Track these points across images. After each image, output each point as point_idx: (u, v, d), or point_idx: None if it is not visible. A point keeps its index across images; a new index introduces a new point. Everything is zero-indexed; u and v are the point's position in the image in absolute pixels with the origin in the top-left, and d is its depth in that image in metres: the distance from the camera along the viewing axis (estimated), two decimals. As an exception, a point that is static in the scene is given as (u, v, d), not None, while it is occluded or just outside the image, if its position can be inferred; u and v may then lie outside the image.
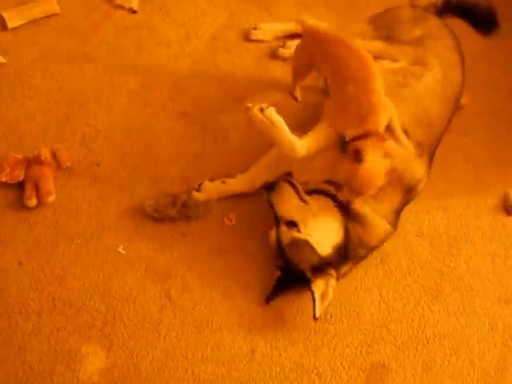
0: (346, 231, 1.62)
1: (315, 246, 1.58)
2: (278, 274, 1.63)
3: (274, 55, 2.11)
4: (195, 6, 2.19)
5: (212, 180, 1.82)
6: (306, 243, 1.57)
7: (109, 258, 1.68)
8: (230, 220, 1.79)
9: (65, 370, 1.52)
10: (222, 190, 1.81)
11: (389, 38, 1.91)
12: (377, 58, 1.80)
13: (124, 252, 1.71)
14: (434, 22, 1.96)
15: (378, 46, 1.90)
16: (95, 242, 1.70)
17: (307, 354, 1.58)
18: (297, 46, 1.82)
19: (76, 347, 1.55)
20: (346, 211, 1.62)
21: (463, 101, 2.03)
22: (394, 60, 1.87)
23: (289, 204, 1.61)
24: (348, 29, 1.95)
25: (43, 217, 1.72)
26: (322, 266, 1.57)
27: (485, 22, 2.17)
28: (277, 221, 1.60)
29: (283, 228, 1.60)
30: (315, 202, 1.63)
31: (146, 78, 2.01)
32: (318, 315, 1.53)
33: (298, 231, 1.59)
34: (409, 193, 1.70)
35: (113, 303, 1.61)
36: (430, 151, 1.75)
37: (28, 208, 1.72)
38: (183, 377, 1.52)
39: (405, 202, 1.71)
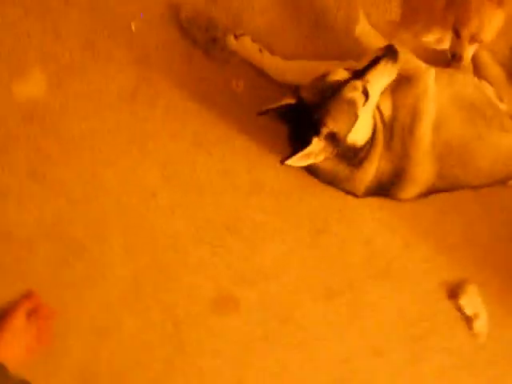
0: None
1: (359, 126, 1.40)
2: (288, 100, 1.41)
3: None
4: None
5: (253, 41, 1.64)
6: (355, 114, 1.38)
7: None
8: (238, 86, 1.65)
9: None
10: (253, 56, 1.66)
11: (510, 75, 1.69)
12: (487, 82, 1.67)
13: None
14: None
15: (496, 72, 1.71)
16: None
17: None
18: None
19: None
20: None
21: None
22: (499, 98, 1.67)
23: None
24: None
25: None
26: (336, 141, 1.38)
27: None
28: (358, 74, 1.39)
29: (356, 82, 1.37)
30: None
31: None
32: (287, 163, 1.35)
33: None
34: None
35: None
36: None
37: None
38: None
39: None
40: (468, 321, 1.87)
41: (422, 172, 1.55)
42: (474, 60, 1.70)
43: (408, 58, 1.51)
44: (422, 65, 1.54)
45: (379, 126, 1.48)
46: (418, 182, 1.57)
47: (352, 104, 1.35)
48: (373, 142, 1.48)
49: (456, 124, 1.55)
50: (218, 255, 1.66)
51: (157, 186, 1.62)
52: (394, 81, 1.46)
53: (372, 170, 1.51)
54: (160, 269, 1.63)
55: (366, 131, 1.44)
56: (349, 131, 1.38)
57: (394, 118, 1.50)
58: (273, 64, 1.67)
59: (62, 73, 1.58)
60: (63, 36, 1.58)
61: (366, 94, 1.36)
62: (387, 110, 1.50)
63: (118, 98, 1.61)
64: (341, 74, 1.37)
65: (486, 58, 1.71)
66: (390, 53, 1.37)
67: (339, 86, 1.35)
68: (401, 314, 1.82)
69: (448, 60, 1.52)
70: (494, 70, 1.71)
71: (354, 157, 1.45)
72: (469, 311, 1.87)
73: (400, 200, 1.64)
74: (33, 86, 1.58)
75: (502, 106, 1.64)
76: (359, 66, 1.39)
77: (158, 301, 1.64)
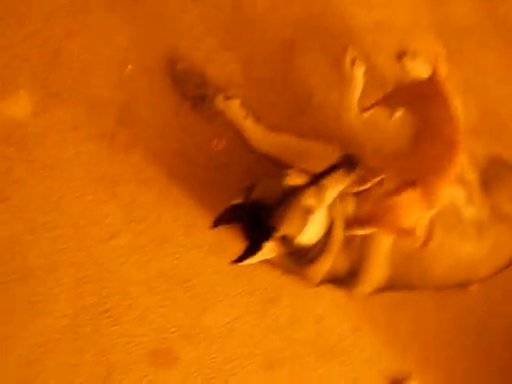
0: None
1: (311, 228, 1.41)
2: (236, 201, 1.42)
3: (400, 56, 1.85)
4: None
5: (241, 104, 1.71)
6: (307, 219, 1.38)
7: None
8: (218, 145, 1.68)
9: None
10: (237, 120, 1.73)
11: (484, 183, 1.74)
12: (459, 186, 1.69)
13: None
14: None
15: (470, 177, 1.76)
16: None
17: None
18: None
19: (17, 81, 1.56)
20: None
21: (473, 287, 1.85)
22: (468, 203, 1.70)
23: None
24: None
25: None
26: (287, 242, 1.38)
27: None
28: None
29: (312, 189, 1.37)
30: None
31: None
32: (241, 262, 1.35)
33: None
34: None
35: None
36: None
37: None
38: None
39: None
40: (405, 416, 1.85)
41: (377, 275, 1.57)
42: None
43: None
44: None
45: (338, 223, 1.47)
46: (372, 283, 1.59)
47: (307, 211, 1.37)
48: (329, 238, 1.47)
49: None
50: (165, 307, 1.67)
51: (118, 228, 1.65)
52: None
53: (327, 263, 1.51)
54: (104, 311, 1.65)
55: (318, 231, 1.45)
56: (299, 234, 1.38)
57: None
58: (254, 131, 1.74)
59: (50, 100, 1.63)
60: (59, 64, 1.63)
61: (320, 199, 1.36)
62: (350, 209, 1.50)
63: (98, 135, 1.67)
64: (297, 179, 1.39)
65: (463, 162, 1.74)
66: (347, 163, 1.37)
67: (295, 192, 1.34)
68: (338, 397, 1.79)
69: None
70: (468, 174, 1.75)
71: (305, 254, 1.45)
72: (409, 407, 1.86)
73: (352, 296, 1.65)
74: (18, 107, 1.62)
75: (468, 213, 1.65)
76: (318, 167, 1.39)
77: (95, 342, 1.64)
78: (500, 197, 1.73)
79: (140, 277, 1.67)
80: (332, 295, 1.79)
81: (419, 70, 1.84)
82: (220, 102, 1.72)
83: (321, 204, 1.38)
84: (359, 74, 1.64)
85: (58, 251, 1.62)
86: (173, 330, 1.68)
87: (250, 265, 1.65)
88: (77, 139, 1.65)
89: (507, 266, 1.76)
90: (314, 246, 1.45)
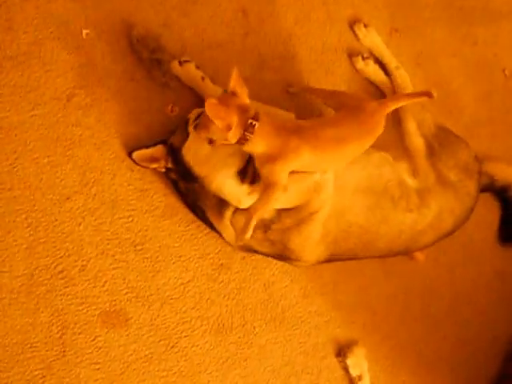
0: None
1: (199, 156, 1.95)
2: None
3: (350, 54, 2.36)
4: None
5: (197, 67, 2.13)
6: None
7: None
8: (173, 111, 2.05)
9: None
10: (194, 82, 2.14)
11: (431, 151, 2.20)
12: (406, 156, 2.18)
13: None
14: (471, 187, 2.25)
15: (418, 144, 2.22)
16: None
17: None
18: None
19: None
20: None
21: (419, 255, 2.29)
22: (413, 173, 2.16)
23: None
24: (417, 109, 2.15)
25: None
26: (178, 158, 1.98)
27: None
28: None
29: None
30: None
31: None
32: (134, 156, 2.02)
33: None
34: None
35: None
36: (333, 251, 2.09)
37: None
38: None
39: None
40: (351, 382, 2.35)
41: (309, 256, 2.08)
42: (401, 129, 2.17)
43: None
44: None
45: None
46: (307, 261, 2.10)
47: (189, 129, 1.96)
48: None
49: (359, 212, 2.06)
50: (118, 269, 2.07)
51: (73, 190, 2.04)
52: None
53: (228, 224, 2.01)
54: (58, 272, 2.02)
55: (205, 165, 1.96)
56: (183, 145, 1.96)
57: (272, 221, 1.98)
58: (213, 92, 2.11)
59: (5, 63, 2.00)
60: (14, 28, 2.03)
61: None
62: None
63: (53, 97, 2.04)
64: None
65: (412, 128, 2.22)
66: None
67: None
68: (286, 362, 2.29)
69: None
70: (417, 141, 2.22)
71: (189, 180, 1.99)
72: (354, 372, 2.34)
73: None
74: (-28, 69, 1.94)
75: (412, 182, 2.09)
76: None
77: (49, 303, 2.01)
78: (445, 165, 2.19)
79: (94, 239, 2.05)
80: (282, 262, 2.21)
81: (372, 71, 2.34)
82: (176, 66, 2.11)
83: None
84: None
85: (13, 212, 1.99)
86: (125, 291, 2.08)
87: (203, 229, 2.08)
88: (32, 102, 2.01)
89: (450, 233, 2.23)
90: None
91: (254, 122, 1.73)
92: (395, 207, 2.09)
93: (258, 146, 1.76)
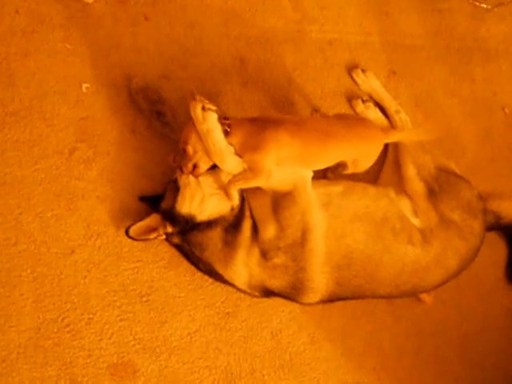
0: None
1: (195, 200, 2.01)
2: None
3: (350, 98, 2.43)
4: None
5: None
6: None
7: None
8: (175, 161, 2.10)
9: None
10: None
11: (432, 193, 2.25)
12: (406, 196, 2.26)
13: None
14: (476, 226, 2.29)
15: (418, 188, 2.28)
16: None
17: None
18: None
19: None
20: None
21: (426, 298, 2.31)
22: (415, 212, 2.22)
23: None
24: (417, 152, 2.21)
25: None
26: (174, 217, 2.01)
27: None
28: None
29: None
30: None
31: None
32: (131, 232, 1.99)
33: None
34: None
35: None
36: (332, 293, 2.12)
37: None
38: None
39: None
40: (363, 428, 2.30)
41: (319, 281, 2.10)
42: (400, 172, 2.23)
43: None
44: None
45: (246, 233, 2.05)
46: (317, 290, 2.12)
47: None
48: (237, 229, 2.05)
49: (359, 238, 2.12)
50: (125, 321, 2.10)
51: (77, 243, 2.08)
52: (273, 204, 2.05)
53: (240, 262, 2.05)
54: (65, 325, 2.05)
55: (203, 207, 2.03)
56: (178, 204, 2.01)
57: (279, 237, 2.04)
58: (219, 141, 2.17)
59: (8, 119, 2.07)
60: (16, 84, 2.10)
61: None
62: (269, 232, 2.04)
63: (56, 152, 2.11)
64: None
65: (411, 173, 2.28)
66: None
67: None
68: (297, 410, 2.25)
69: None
70: (417, 185, 2.27)
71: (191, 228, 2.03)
72: (365, 418, 2.30)
73: (303, 304, 2.17)
74: (-25, 126, 2.01)
75: (415, 221, 2.14)
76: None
77: (57, 356, 2.04)
78: (447, 206, 2.24)
79: (100, 291, 2.09)
80: (288, 308, 2.26)
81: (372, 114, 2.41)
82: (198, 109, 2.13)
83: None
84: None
85: (19, 267, 2.03)
86: (133, 343, 2.11)
87: (208, 278, 2.12)
88: (35, 157, 2.08)
89: (457, 273, 2.26)
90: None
91: (226, 116, 1.94)
92: (396, 238, 2.14)
93: (237, 134, 1.89)
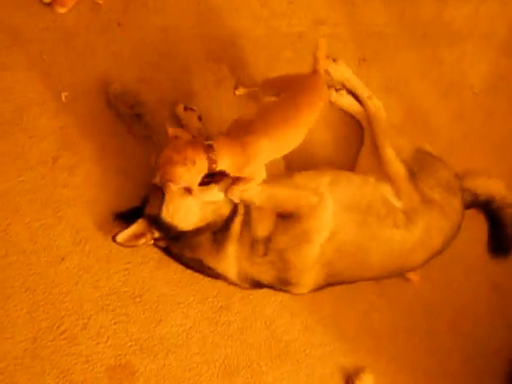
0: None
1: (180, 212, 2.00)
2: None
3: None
4: None
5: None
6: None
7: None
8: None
9: None
10: (192, 129, 2.21)
11: (412, 174, 2.27)
12: (386, 180, 2.25)
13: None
14: (456, 203, 2.33)
15: (399, 170, 2.30)
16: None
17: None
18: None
19: None
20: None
21: (413, 276, 2.33)
22: (397, 195, 2.24)
23: None
24: (394, 135, 2.23)
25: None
26: (160, 224, 2.00)
27: (503, 244, 2.56)
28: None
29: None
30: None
31: None
32: (118, 240, 1.98)
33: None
34: None
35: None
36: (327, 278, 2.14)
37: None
38: None
39: None
40: (363, 408, 2.31)
41: (309, 277, 2.13)
42: (379, 156, 2.25)
43: (296, 195, 2.08)
44: (314, 199, 2.08)
45: (236, 228, 2.04)
46: (306, 284, 2.15)
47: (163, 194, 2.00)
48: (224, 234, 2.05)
49: (349, 230, 2.14)
50: (120, 323, 2.10)
51: (67, 249, 2.09)
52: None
53: (231, 255, 2.06)
54: (60, 333, 2.05)
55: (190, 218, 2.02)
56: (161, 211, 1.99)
57: (271, 240, 2.05)
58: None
59: None
60: None
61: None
62: (262, 232, 2.04)
63: (39, 162, 2.11)
64: None
65: (390, 155, 2.29)
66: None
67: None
68: (296, 397, 2.28)
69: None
70: (397, 167, 2.29)
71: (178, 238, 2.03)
72: (364, 400, 2.32)
73: (292, 295, 2.21)
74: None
75: (397, 203, 2.16)
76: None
77: (55, 364, 2.04)
78: (427, 185, 2.26)
79: (92, 296, 2.09)
80: (279, 298, 2.27)
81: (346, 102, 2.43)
82: (180, 110, 2.20)
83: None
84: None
85: (10, 278, 2.03)
86: (129, 344, 2.11)
87: (198, 275, 2.11)
88: (19, 168, 2.08)
89: (441, 251, 2.29)
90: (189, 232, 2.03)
91: (209, 142, 1.84)
92: (381, 224, 2.16)
93: (225, 160, 1.85)
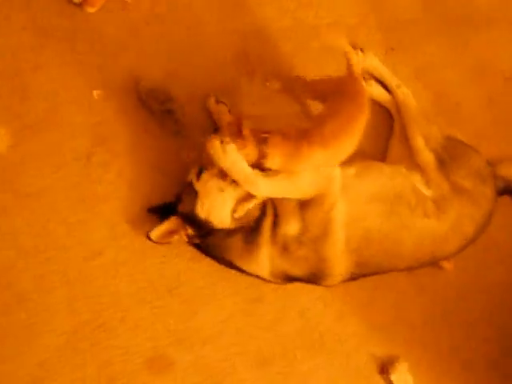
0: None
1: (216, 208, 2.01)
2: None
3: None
4: None
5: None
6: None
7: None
8: (189, 157, 2.15)
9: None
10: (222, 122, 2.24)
11: (442, 163, 2.25)
12: (419, 168, 2.25)
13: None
14: (487, 191, 2.31)
15: (428, 158, 2.29)
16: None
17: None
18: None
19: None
20: None
21: (446, 264, 2.32)
22: (427, 183, 2.23)
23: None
24: (423, 124, 2.23)
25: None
26: (194, 221, 2.02)
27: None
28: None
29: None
30: None
31: None
32: (152, 237, 2.01)
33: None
34: None
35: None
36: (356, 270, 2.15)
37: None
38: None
39: None
40: (398, 397, 2.32)
41: (340, 267, 2.14)
42: (409, 145, 2.24)
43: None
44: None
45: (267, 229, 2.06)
46: (338, 275, 2.16)
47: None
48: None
49: (375, 218, 2.14)
50: (157, 316, 2.14)
51: (103, 244, 2.12)
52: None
53: (263, 257, 2.08)
54: (99, 325, 2.09)
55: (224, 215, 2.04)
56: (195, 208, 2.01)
57: (302, 233, 2.07)
58: None
59: (25, 131, 2.13)
60: (30, 97, 2.15)
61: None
62: (293, 228, 2.06)
63: (74, 159, 2.16)
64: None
65: (420, 144, 2.29)
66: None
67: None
68: (331, 385, 2.29)
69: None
70: (427, 155, 2.28)
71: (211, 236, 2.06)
72: (399, 388, 2.32)
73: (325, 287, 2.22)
74: (-4, 142, 2.05)
75: (427, 192, 2.15)
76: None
77: (95, 356, 2.09)
78: (458, 174, 2.25)
79: (129, 289, 2.13)
80: (312, 288, 2.27)
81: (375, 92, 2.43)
82: (212, 103, 2.23)
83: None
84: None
85: (50, 273, 2.08)
86: (166, 336, 2.15)
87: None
88: (54, 165, 2.13)
89: (474, 239, 2.27)
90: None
91: (266, 135, 1.84)
92: (412, 213, 2.16)
93: (276, 158, 1.86)
